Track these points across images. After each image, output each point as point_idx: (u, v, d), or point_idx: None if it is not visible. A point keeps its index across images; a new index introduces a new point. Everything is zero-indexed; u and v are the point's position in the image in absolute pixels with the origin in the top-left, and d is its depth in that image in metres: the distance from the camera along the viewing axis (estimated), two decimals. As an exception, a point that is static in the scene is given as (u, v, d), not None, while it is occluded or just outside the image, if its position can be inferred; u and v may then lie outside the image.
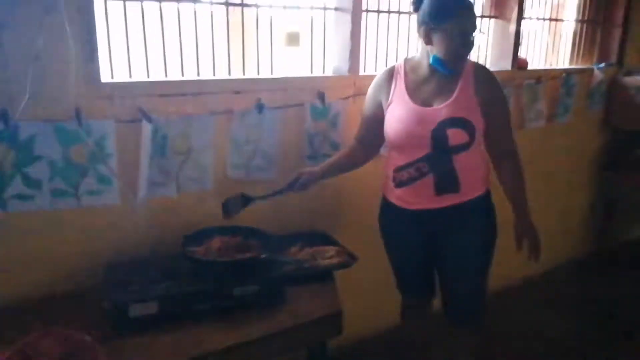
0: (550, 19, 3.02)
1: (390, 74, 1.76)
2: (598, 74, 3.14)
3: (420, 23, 1.64)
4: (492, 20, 2.69)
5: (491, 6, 2.67)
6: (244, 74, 2.00)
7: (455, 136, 1.63)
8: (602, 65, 3.17)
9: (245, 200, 1.77)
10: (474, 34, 1.61)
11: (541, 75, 2.80)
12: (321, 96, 2.01)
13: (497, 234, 1.81)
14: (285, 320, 1.53)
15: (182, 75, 1.86)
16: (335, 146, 2.11)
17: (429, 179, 1.68)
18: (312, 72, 2.15)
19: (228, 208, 1.74)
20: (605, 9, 3.22)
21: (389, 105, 1.73)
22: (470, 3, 1.63)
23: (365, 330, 2.42)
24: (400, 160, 1.72)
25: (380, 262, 1.98)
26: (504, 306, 2.78)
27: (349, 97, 2.10)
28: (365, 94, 2.13)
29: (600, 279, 3.23)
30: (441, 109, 1.64)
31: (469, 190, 1.71)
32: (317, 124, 2.03)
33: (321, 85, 2.04)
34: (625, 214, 3.57)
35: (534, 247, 1.75)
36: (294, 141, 2.02)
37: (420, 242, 1.82)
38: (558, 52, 3.12)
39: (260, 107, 1.89)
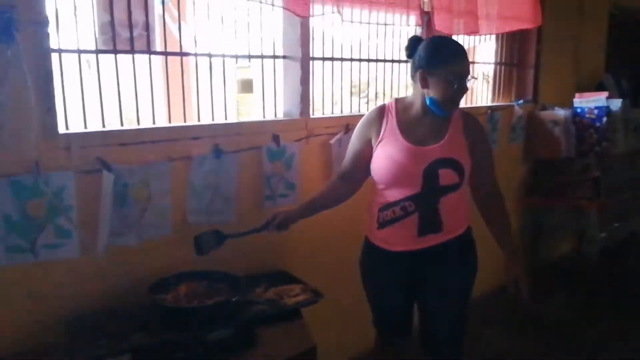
0: (472, 62, 3.32)
1: (381, 111, 1.79)
2: (518, 110, 3.46)
3: (417, 67, 1.69)
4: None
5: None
6: (199, 120, 2.04)
7: (446, 176, 1.68)
8: (521, 101, 3.50)
9: (219, 237, 1.76)
10: (468, 78, 1.68)
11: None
12: (276, 138, 2.08)
13: (478, 267, 1.86)
14: (261, 362, 1.54)
15: (139, 123, 1.87)
16: (290, 186, 2.17)
17: (413, 219, 1.71)
18: (264, 116, 2.23)
19: (201, 245, 1.73)
20: (519, 52, 3.58)
21: (379, 142, 1.75)
22: (464, 49, 1.70)
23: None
24: (387, 198, 1.75)
25: (341, 294, 2.03)
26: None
27: (302, 138, 2.18)
28: (316, 135, 2.25)
29: (534, 296, 3.45)
30: (435, 148, 1.70)
31: (451, 230, 1.75)
32: (273, 165, 2.09)
33: (275, 129, 2.11)
34: (549, 235, 3.89)
35: (526, 287, 1.80)
36: (251, 183, 2.07)
37: (402, 282, 1.83)
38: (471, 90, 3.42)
39: (218, 152, 1.93)
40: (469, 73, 1.69)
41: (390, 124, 1.76)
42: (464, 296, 1.85)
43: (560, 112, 3.50)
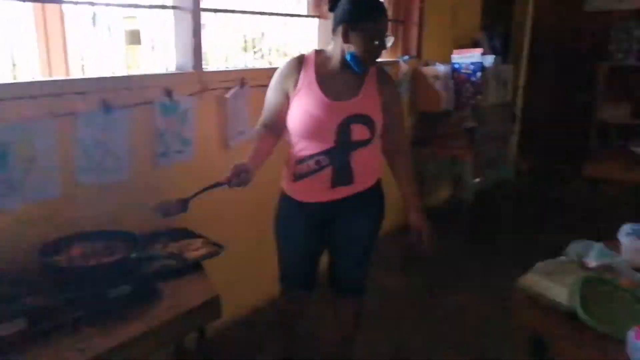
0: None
1: (299, 62, 1.76)
2: (403, 66, 3.65)
3: (340, 21, 1.67)
4: (317, 20, 2.96)
5: (315, 6, 2.93)
6: (83, 73, 1.92)
7: (358, 132, 1.71)
8: (406, 57, 3.69)
9: (184, 202, 1.68)
10: (387, 36, 1.68)
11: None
12: (168, 93, 2.04)
13: (385, 217, 1.94)
14: (164, 314, 1.55)
15: (14, 78, 1.73)
16: (185, 142, 2.15)
17: (327, 173, 1.75)
18: (155, 69, 2.15)
19: (166, 209, 1.66)
20: (405, 10, 3.75)
21: (296, 93, 1.74)
22: (385, 7, 1.70)
23: (237, 311, 2.55)
24: (301, 152, 1.77)
25: (243, 246, 2.08)
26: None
27: (196, 93, 2.15)
28: (211, 89, 2.23)
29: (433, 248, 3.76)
30: (349, 104, 1.71)
31: (362, 182, 1.81)
32: (167, 120, 2.05)
33: (167, 83, 2.06)
34: (430, 182, 4.23)
35: (429, 238, 1.87)
36: (143, 140, 2.01)
37: (313, 231, 1.88)
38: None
39: (106, 108, 1.85)
40: (387, 30, 1.72)
41: (309, 76, 1.74)
42: (370, 242, 1.95)
43: (441, 68, 3.76)
